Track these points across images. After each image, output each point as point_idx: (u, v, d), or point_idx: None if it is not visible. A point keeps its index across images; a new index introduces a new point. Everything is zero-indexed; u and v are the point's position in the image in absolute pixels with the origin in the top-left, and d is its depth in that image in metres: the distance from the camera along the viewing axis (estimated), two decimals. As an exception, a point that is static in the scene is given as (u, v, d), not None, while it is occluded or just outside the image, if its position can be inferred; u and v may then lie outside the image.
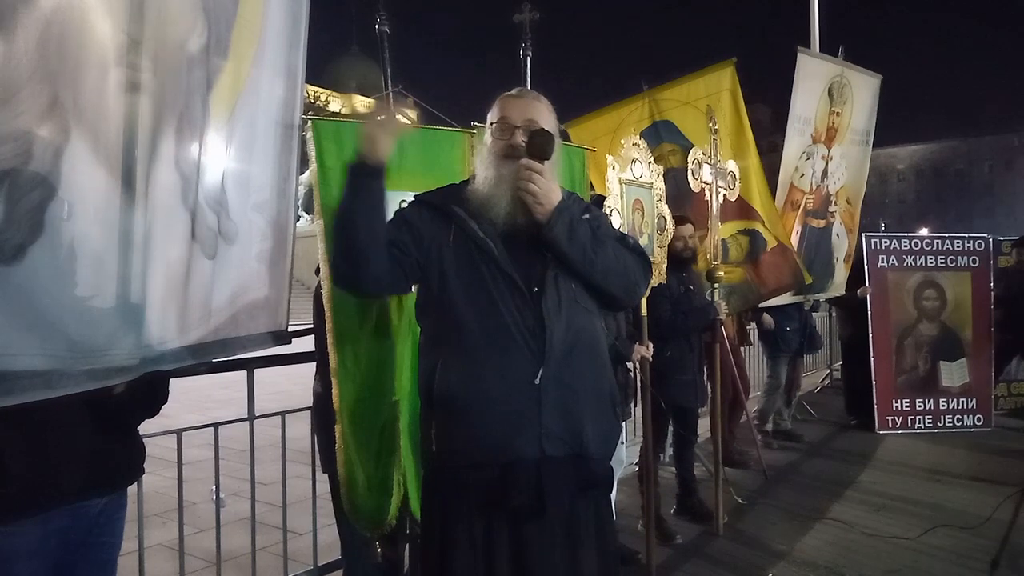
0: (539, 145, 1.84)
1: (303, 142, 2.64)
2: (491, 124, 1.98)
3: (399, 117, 1.85)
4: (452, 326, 1.86)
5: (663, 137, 4.56)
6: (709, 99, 4.88)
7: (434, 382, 1.85)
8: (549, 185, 1.85)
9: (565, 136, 3.42)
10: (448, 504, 1.88)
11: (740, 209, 4.85)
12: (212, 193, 2.16)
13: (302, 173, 2.71)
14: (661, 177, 3.71)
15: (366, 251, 1.83)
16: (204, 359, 2.22)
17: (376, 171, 1.84)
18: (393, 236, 1.89)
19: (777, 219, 5.14)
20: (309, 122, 2.68)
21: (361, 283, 1.92)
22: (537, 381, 1.81)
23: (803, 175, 6.00)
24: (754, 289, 4.92)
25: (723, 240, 4.69)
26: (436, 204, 1.97)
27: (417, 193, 2.09)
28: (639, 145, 3.54)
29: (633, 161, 3.50)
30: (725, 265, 4.64)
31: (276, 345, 2.57)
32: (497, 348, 1.82)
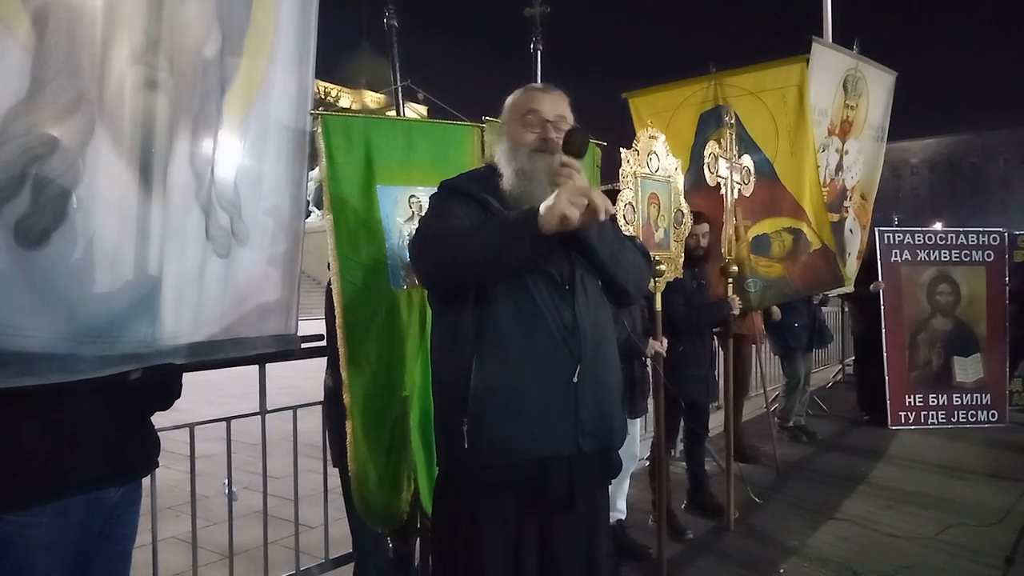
0: (578, 143, 1.82)
1: (313, 138, 2.65)
2: (522, 115, 1.95)
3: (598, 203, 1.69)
4: (489, 322, 1.84)
5: (724, 122, 4.52)
6: (774, 92, 4.81)
7: (470, 378, 1.82)
8: (584, 182, 1.81)
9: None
10: (479, 502, 1.87)
11: (789, 206, 4.79)
12: (225, 194, 2.21)
13: (312, 169, 2.73)
14: (679, 170, 3.68)
15: (473, 280, 1.83)
16: (215, 356, 2.24)
17: (545, 239, 1.69)
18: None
19: (825, 221, 5.07)
20: (319, 117, 2.68)
21: (448, 295, 1.92)
22: (575, 379, 1.83)
23: (817, 167, 5.95)
24: (791, 285, 4.88)
25: (766, 235, 4.67)
26: (471, 193, 1.94)
27: (444, 180, 2.05)
28: (656, 138, 3.50)
29: (651, 154, 3.47)
30: (765, 259, 4.62)
31: (285, 348, 2.59)
32: (537, 346, 1.83)
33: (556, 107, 1.96)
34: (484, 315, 1.85)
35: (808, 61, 5.04)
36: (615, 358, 2.02)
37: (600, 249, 1.88)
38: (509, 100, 2.02)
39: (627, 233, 2.33)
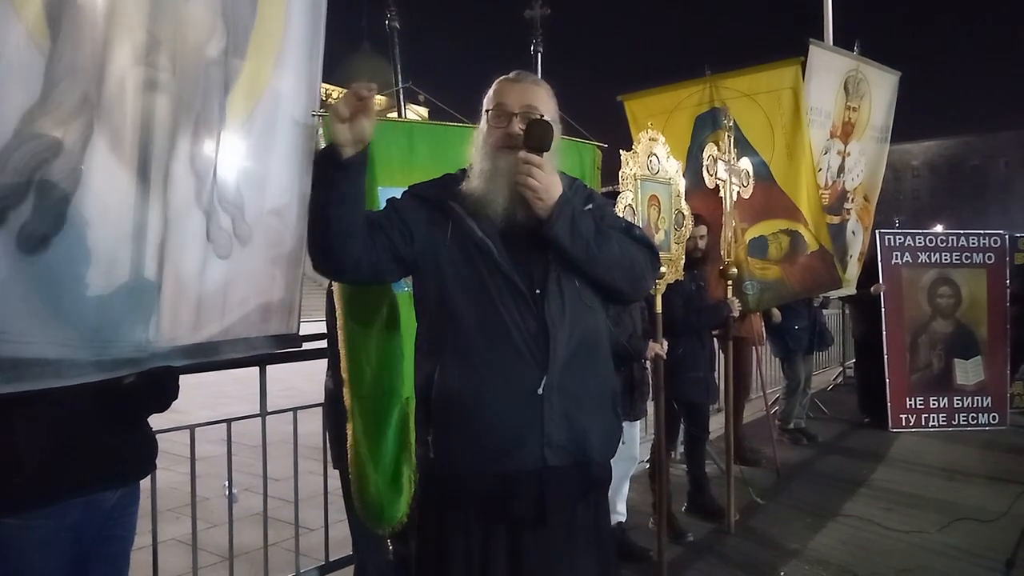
0: (537, 136, 1.71)
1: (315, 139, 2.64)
2: (487, 111, 1.85)
3: (365, 98, 1.58)
4: (451, 330, 1.77)
5: (719, 124, 4.53)
6: (769, 95, 4.83)
7: (432, 387, 1.76)
8: (549, 179, 1.73)
9: (573, 128, 3.38)
10: (444, 513, 1.81)
11: (785, 208, 4.80)
12: (227, 195, 2.19)
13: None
14: (680, 173, 3.68)
15: (341, 244, 1.69)
16: (213, 357, 2.24)
17: (343, 164, 1.61)
18: (383, 223, 1.77)
19: (822, 223, 5.09)
20: (320, 119, 2.68)
21: (337, 273, 1.84)
22: (540, 391, 1.72)
23: (820, 170, 5.95)
24: (789, 287, 4.88)
25: (763, 237, 4.67)
26: (432, 199, 1.84)
27: (411, 185, 1.94)
28: (656, 140, 3.50)
29: (651, 156, 3.47)
30: (762, 261, 4.62)
31: (286, 348, 2.59)
32: (498, 356, 1.73)
33: (523, 97, 1.81)
34: (448, 323, 1.77)
35: (803, 63, 5.06)
36: (600, 365, 1.88)
37: (572, 247, 1.75)
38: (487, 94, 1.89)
39: (627, 222, 2.12)
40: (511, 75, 1.88)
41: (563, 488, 1.77)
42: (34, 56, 1.59)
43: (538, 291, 1.76)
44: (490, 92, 1.87)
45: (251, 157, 2.31)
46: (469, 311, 1.75)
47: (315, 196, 1.68)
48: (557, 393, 1.74)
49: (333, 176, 1.63)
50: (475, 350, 1.74)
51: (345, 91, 1.60)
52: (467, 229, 1.78)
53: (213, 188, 2.12)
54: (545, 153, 1.74)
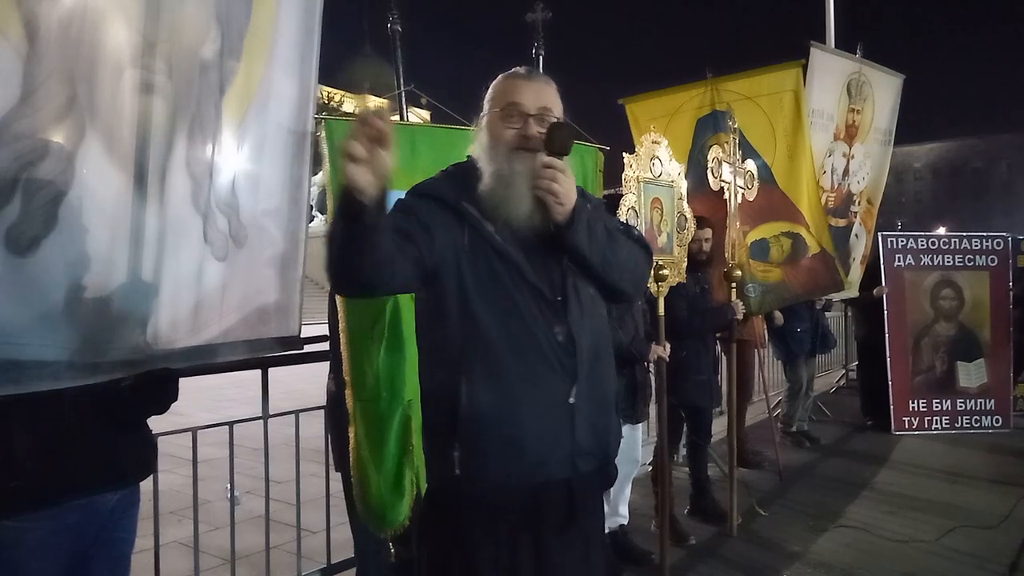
0: (560, 140, 1.66)
1: (316, 142, 2.65)
2: (499, 108, 1.76)
3: (381, 129, 1.39)
4: (476, 341, 1.68)
5: (720, 127, 4.54)
6: (771, 97, 4.85)
7: (459, 403, 1.67)
8: (569, 183, 1.67)
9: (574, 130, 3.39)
10: (469, 528, 1.74)
11: (787, 211, 4.80)
12: (223, 196, 2.19)
13: (316, 174, 2.72)
14: (682, 175, 3.68)
15: (376, 277, 1.59)
16: (213, 360, 2.24)
17: (377, 225, 1.46)
18: (408, 229, 1.65)
19: (823, 225, 5.11)
20: (322, 122, 2.69)
21: (368, 296, 1.85)
22: (572, 400, 1.70)
23: (824, 172, 5.95)
24: (791, 290, 4.88)
25: (765, 239, 4.67)
26: (445, 200, 1.74)
27: (416, 184, 1.84)
28: (659, 143, 3.51)
29: (653, 159, 3.47)
30: (764, 264, 4.62)
31: (286, 351, 2.59)
32: (530, 368, 1.68)
33: (539, 98, 1.74)
34: (470, 333, 1.69)
35: (804, 66, 5.07)
36: (612, 368, 1.88)
37: (591, 256, 1.72)
38: (490, 88, 1.81)
39: (623, 223, 2.10)
40: (522, 72, 1.81)
41: (589, 492, 1.81)
42: (11, 58, 1.58)
43: (559, 298, 1.72)
44: (499, 88, 1.80)
45: (246, 160, 2.31)
46: (494, 322, 1.68)
47: (345, 249, 1.51)
48: (586, 400, 1.73)
49: (366, 235, 1.47)
50: (505, 364, 1.68)
51: (352, 124, 1.41)
52: (486, 234, 1.71)
53: (209, 190, 2.12)
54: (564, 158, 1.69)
